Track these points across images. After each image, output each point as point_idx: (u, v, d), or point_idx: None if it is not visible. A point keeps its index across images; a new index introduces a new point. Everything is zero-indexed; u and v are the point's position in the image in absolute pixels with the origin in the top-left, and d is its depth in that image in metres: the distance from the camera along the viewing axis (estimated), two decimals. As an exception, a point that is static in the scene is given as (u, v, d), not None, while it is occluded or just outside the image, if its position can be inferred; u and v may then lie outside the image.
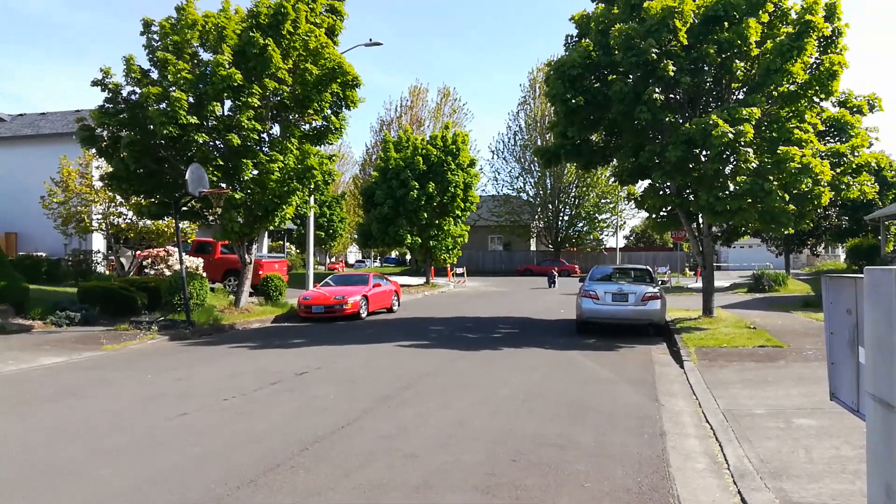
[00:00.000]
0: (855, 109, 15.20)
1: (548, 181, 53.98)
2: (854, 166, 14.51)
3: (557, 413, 7.39)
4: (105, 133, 16.84)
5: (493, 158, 69.25)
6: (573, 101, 14.71)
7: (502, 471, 5.38)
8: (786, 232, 15.38)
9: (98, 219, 23.23)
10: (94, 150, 17.64)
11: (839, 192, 14.62)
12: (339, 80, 17.75)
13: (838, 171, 14.33)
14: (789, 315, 17.31)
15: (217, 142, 16.85)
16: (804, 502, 4.58)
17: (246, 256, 18.47)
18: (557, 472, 5.35)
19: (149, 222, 22.62)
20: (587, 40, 15.19)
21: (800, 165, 13.06)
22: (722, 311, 17.31)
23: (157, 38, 16.43)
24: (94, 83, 16.27)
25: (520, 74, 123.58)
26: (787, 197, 13.71)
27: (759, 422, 6.79)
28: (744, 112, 13.08)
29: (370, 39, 24.63)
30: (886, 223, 32.36)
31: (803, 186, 13.59)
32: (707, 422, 6.99)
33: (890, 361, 2.84)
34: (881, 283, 2.97)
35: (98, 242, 25.37)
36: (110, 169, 17.20)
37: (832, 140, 15.24)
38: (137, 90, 16.36)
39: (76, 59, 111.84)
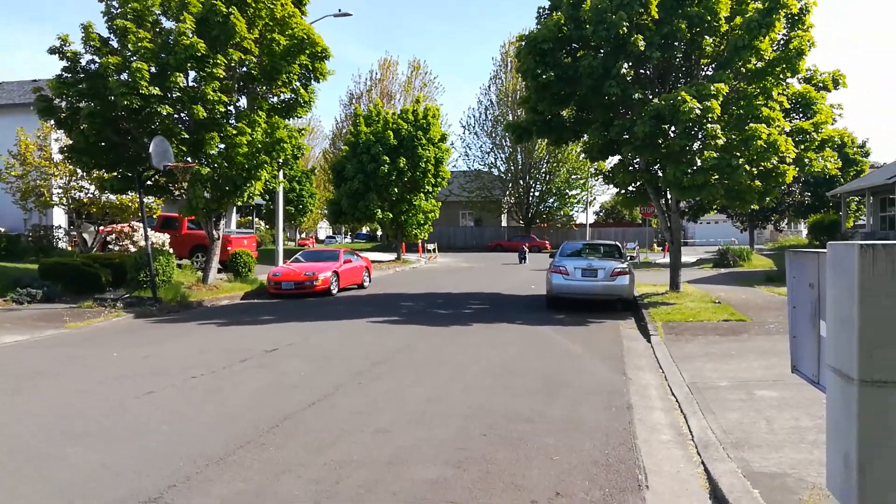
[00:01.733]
0: (820, 86, 15.43)
1: (519, 157, 54.01)
2: (818, 142, 14.77)
3: (528, 388, 7.47)
4: (64, 104, 16.27)
5: (464, 133, 68.96)
6: (544, 76, 14.65)
7: (473, 445, 5.43)
8: (751, 208, 15.66)
9: (59, 193, 22.55)
10: (52, 122, 17.05)
11: (803, 168, 14.88)
12: (307, 52, 17.38)
13: (802, 147, 14.57)
14: (753, 290, 17.71)
15: (182, 114, 16.39)
16: (765, 471, 4.72)
17: (214, 232, 18.15)
18: (527, 445, 5.42)
19: (112, 197, 22.04)
20: (559, 13, 15.10)
21: (766, 143, 13.25)
22: (688, 286, 17.63)
23: (117, 5, 15.82)
24: (52, 51, 15.67)
25: (492, 47, 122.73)
26: (754, 173, 13.92)
27: (723, 394, 6.96)
28: (711, 88, 13.19)
29: (339, 10, 24.08)
30: (847, 199, 33.20)
31: (769, 164, 13.80)
32: (673, 395, 7.14)
33: (850, 335, 2.90)
34: (843, 258, 3.02)
35: (59, 217, 24.68)
36: (70, 141, 16.66)
37: (797, 116, 15.46)
38: (97, 59, 15.80)
39: (34, 24, 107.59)
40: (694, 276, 22.44)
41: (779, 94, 14.47)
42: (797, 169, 14.72)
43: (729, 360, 8.79)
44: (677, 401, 6.83)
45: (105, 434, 5.79)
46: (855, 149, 38.80)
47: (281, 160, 17.99)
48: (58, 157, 20.32)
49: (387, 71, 55.78)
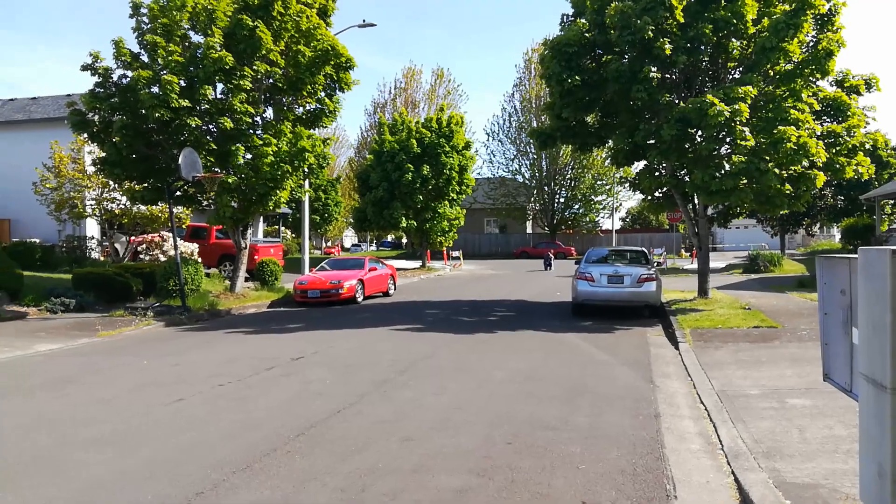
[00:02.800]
0: (851, 89, 15.11)
1: (543, 163, 53.84)
2: (850, 147, 14.45)
3: (553, 395, 7.41)
4: (96, 118, 16.68)
5: (488, 140, 68.80)
6: (569, 80, 14.57)
7: (498, 453, 5.40)
8: (780, 212, 15.36)
9: (91, 204, 23.06)
10: (85, 135, 17.48)
11: (835, 173, 14.57)
12: (332, 62, 17.58)
13: (833, 151, 14.27)
14: (784, 295, 17.36)
15: (210, 125, 16.69)
16: (797, 482, 4.61)
17: (241, 241, 18.39)
18: (553, 454, 5.38)
19: (143, 208, 22.47)
20: (583, 20, 15.05)
21: (795, 146, 13.01)
22: (717, 292, 17.36)
23: (147, 21, 16.20)
24: (84, 67, 16.09)
25: (515, 54, 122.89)
26: (784, 177, 13.68)
27: (753, 402, 6.83)
28: (739, 91, 12.99)
29: (363, 20, 24.39)
30: (882, 203, 32.41)
31: (798, 167, 13.55)
32: (701, 403, 7.02)
33: (883, 342, 2.83)
34: (875, 264, 2.95)
35: (92, 228, 25.23)
36: (102, 154, 17.05)
37: (829, 120, 15.15)
38: (128, 74, 16.18)
39: (68, 41, 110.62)
40: (723, 281, 22.09)
41: (809, 96, 14.20)
42: (829, 173, 14.41)
43: (760, 367, 8.62)
44: (706, 409, 6.71)
45: (133, 440, 5.89)
46: (889, 151, 37.80)
47: (306, 169, 18.19)
48: (91, 169, 20.79)
49: (411, 80, 56.15)
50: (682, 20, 13.68)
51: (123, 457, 5.44)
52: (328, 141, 19.71)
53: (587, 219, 56.02)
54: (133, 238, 23.20)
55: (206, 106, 16.11)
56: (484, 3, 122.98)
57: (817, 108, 14.56)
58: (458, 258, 40.01)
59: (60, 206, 22.67)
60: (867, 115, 15.15)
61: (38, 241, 23.04)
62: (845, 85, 15.12)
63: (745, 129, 13.19)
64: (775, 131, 13.21)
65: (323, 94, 18.34)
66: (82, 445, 5.77)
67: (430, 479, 4.86)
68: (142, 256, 21.30)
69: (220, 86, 16.50)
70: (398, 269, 25.43)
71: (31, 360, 10.11)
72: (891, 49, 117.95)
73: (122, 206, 23.21)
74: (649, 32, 13.29)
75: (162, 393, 7.71)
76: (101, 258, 24.34)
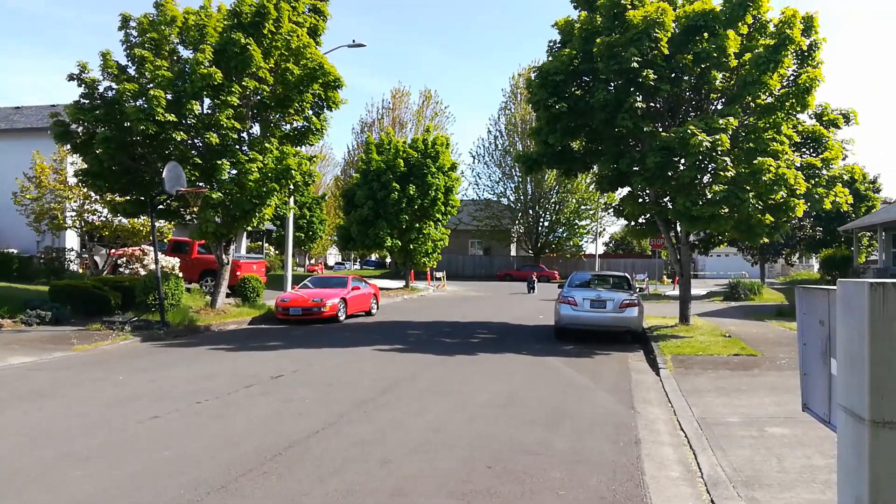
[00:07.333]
0: (830, 122, 15.47)
1: (528, 186, 54.24)
2: (827, 178, 14.75)
3: (534, 419, 7.38)
4: (80, 129, 16.55)
5: (474, 163, 69.32)
6: (556, 107, 14.78)
7: (478, 478, 5.35)
8: (761, 241, 15.59)
9: (72, 216, 22.78)
10: (68, 146, 17.32)
11: (814, 204, 14.85)
12: (320, 81, 17.64)
13: (812, 182, 14.56)
14: (764, 324, 17.53)
15: (195, 140, 16.63)
16: (776, 511, 4.62)
17: (223, 257, 18.24)
18: (533, 479, 5.34)
19: (124, 220, 22.24)
20: (570, 48, 15.28)
21: (774, 177, 13.26)
22: (698, 319, 17.48)
23: (136, 34, 16.19)
24: (70, 77, 16.01)
25: (502, 78, 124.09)
26: (762, 206, 13.91)
27: (733, 430, 6.85)
28: (720, 122, 13.25)
29: (353, 41, 24.54)
30: (859, 234, 32.99)
31: (778, 197, 13.79)
32: (682, 430, 7.03)
33: (861, 374, 2.86)
34: (853, 296, 2.99)
35: (72, 240, 24.89)
36: (85, 165, 16.90)
37: (808, 152, 15.47)
38: (114, 86, 16.11)
39: (55, 51, 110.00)
40: (704, 308, 22.26)
41: (789, 128, 14.50)
42: (808, 204, 14.68)
43: (739, 395, 8.67)
44: (686, 436, 6.73)
45: (107, 458, 5.75)
46: (866, 184, 38.69)
47: (291, 187, 18.14)
48: (72, 180, 20.59)
49: (399, 100, 56.43)
50: (666, 51, 13.96)
51: (95, 474, 5.31)
52: (314, 159, 19.70)
53: (571, 243, 56.39)
54: (113, 251, 22.91)
55: (193, 121, 16.05)
56: (474, 27, 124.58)
57: (797, 140, 14.87)
58: (441, 279, 39.96)
59: (40, 217, 22.34)
60: (845, 148, 15.51)
61: (15, 251, 22.65)
62: (824, 118, 15.49)
63: (727, 158, 13.42)
64: (755, 162, 13.47)
65: (310, 111, 18.36)
66: (54, 462, 5.63)
67: (409, 502, 4.80)
68: (121, 270, 21.02)
69: (206, 101, 16.48)
70: (381, 289, 25.32)
71: (4, 374, 9.86)
72: (870, 82, 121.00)
73: (104, 219, 22.94)
74: (635, 63, 13.53)
75: (137, 409, 7.56)
76: (80, 270, 23.97)
